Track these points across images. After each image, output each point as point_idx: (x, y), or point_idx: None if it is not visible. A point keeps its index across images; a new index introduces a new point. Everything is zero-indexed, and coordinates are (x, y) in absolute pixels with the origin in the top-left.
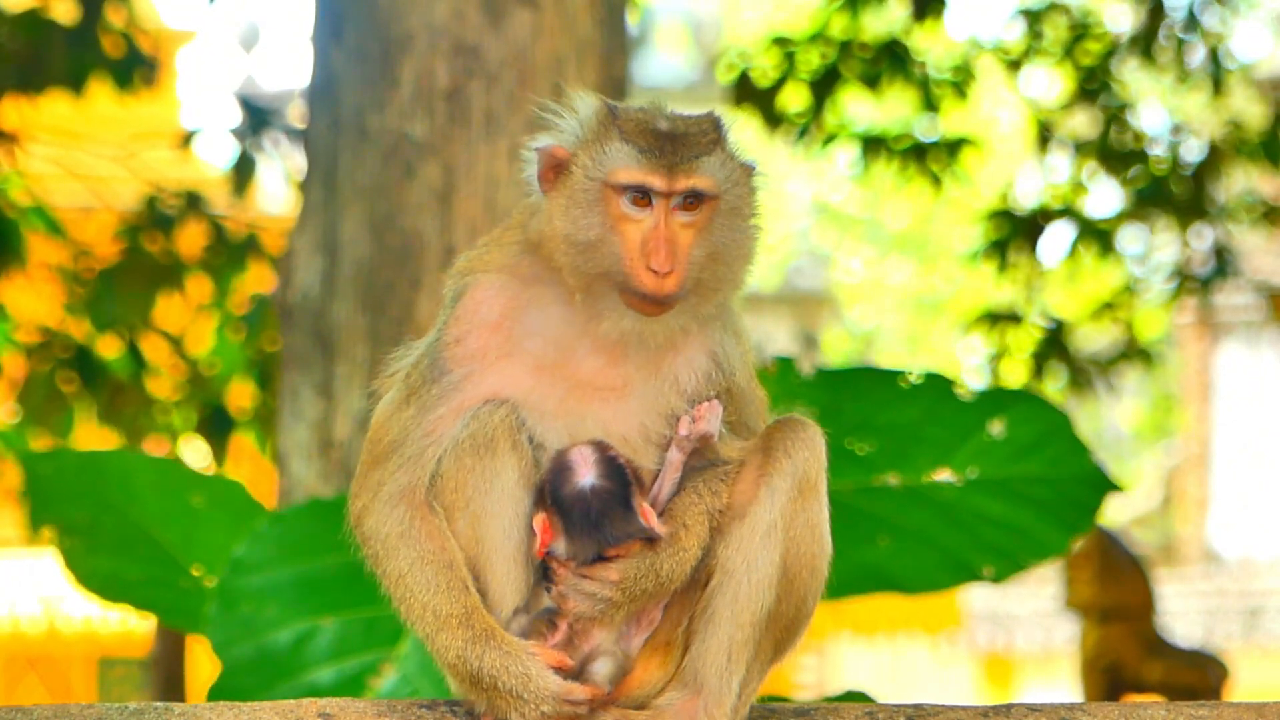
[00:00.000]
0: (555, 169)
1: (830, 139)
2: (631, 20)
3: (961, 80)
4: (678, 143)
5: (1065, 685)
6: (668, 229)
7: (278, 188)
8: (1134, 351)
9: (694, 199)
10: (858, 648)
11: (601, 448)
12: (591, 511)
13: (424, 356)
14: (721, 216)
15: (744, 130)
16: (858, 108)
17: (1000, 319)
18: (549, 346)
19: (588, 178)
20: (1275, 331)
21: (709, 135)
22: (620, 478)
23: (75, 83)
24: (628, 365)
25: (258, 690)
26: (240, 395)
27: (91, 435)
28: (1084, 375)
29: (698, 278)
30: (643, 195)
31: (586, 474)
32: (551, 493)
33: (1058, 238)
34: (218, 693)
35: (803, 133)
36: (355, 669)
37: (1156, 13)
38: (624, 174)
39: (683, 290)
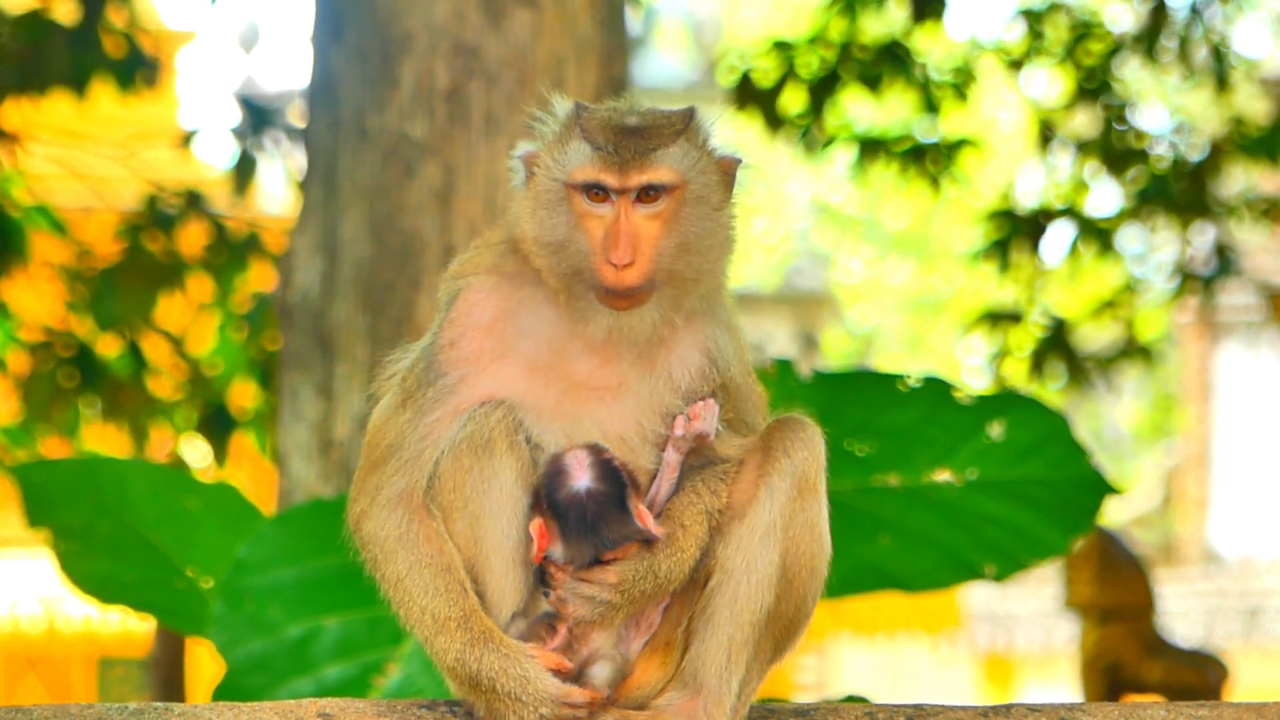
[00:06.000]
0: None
1: (830, 142)
2: (633, 20)
3: (962, 81)
4: (635, 137)
5: (1065, 685)
6: (628, 223)
7: (278, 187)
8: (1135, 350)
9: (653, 192)
10: (858, 648)
11: (596, 451)
12: (588, 515)
13: (419, 360)
14: (689, 206)
15: (741, 129)
16: (859, 109)
17: (1001, 318)
18: (543, 347)
19: (549, 179)
20: (1275, 331)
21: (673, 127)
22: (616, 480)
23: (76, 83)
24: (621, 364)
25: (263, 689)
26: (241, 395)
27: (95, 434)
28: (1084, 373)
29: (670, 269)
30: (600, 192)
31: (582, 477)
32: (547, 497)
33: (1059, 237)
34: (224, 692)
35: (804, 135)
36: (360, 668)
37: (1159, 11)
38: (579, 173)
39: (648, 282)
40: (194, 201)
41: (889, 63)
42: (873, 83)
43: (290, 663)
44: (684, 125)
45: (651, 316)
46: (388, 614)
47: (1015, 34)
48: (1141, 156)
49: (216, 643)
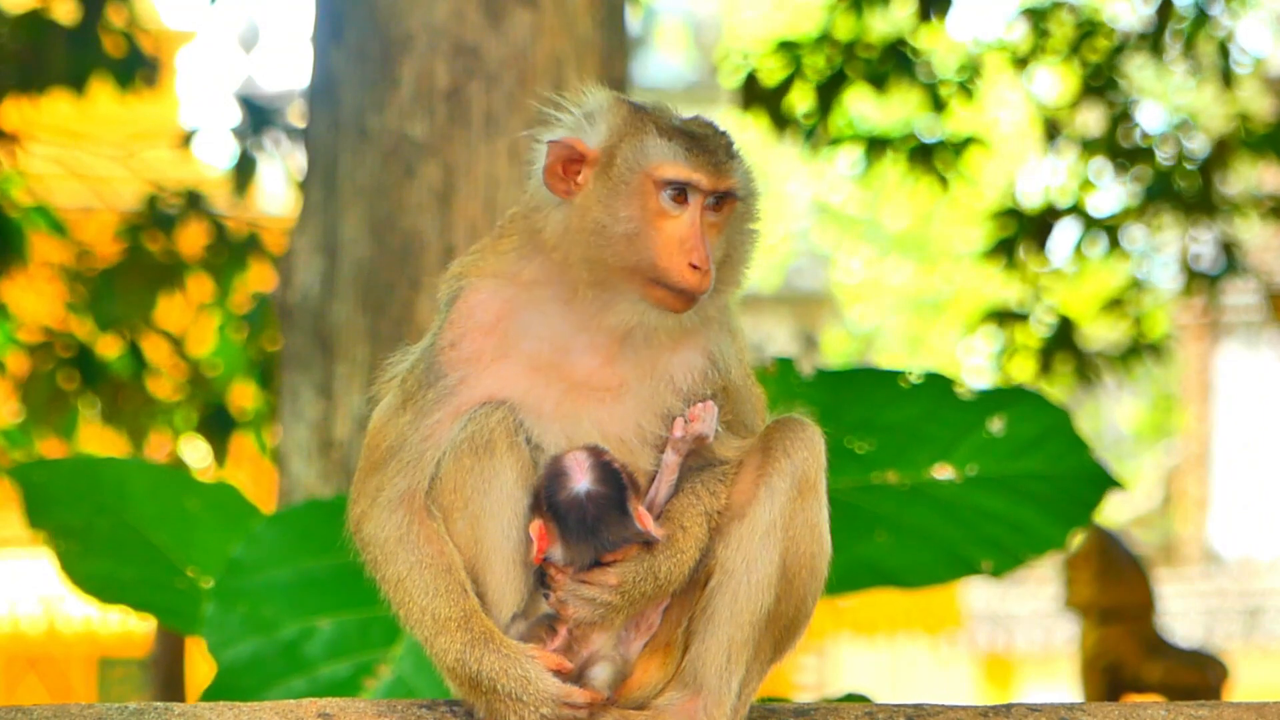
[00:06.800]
0: (569, 162)
1: (836, 142)
2: (633, 20)
3: (968, 79)
4: (712, 143)
5: (1065, 685)
6: (703, 226)
7: (278, 187)
8: (1142, 347)
9: (724, 199)
10: (858, 648)
11: (596, 453)
12: (588, 517)
13: (419, 361)
14: (737, 219)
15: (746, 129)
16: (864, 108)
17: (1007, 317)
18: (544, 346)
19: (630, 171)
20: (1275, 331)
21: (728, 137)
22: (615, 482)
23: (76, 83)
24: (623, 365)
25: (254, 690)
26: (241, 395)
27: (94, 435)
28: (1093, 369)
29: (715, 276)
30: (680, 192)
31: (581, 479)
32: (547, 499)
33: (1065, 235)
34: (214, 693)
35: (809, 134)
36: (351, 669)
37: (1164, 8)
38: (670, 169)
39: (712, 287)
40: (194, 201)
41: (895, 61)
42: (878, 81)
43: (282, 663)
44: (731, 137)
45: (687, 320)
46: (380, 614)
47: (1019, 32)
48: (1147, 154)
49: (208, 643)
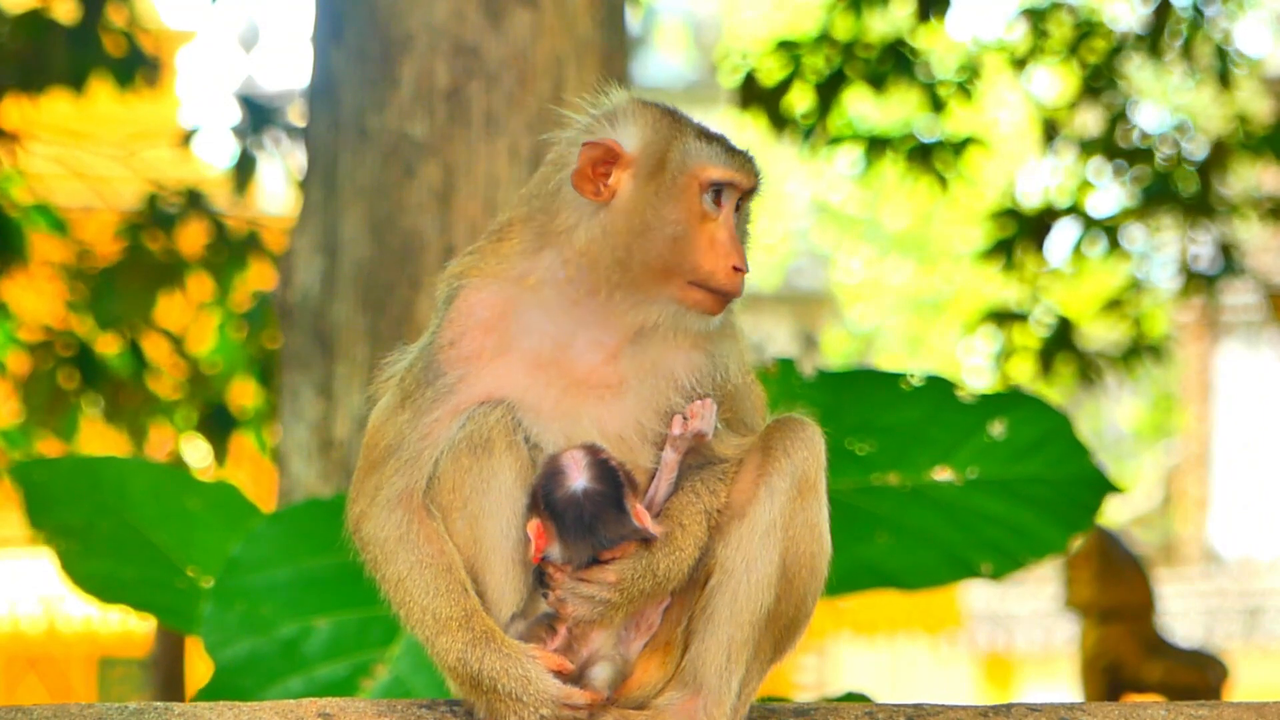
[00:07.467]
0: (599, 164)
1: (836, 142)
2: (633, 20)
3: (967, 80)
4: (736, 144)
5: (1065, 685)
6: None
7: (278, 187)
8: (1142, 347)
9: (745, 199)
10: (858, 648)
11: (593, 451)
12: (585, 515)
13: (418, 360)
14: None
15: (749, 132)
16: (863, 108)
17: (1007, 318)
18: (545, 343)
19: (679, 173)
20: (1275, 331)
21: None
22: (612, 480)
23: (76, 82)
24: (624, 363)
25: (252, 690)
26: (241, 395)
27: (94, 435)
28: (1093, 369)
29: None
30: (718, 193)
31: (578, 477)
32: (544, 497)
33: (1064, 235)
34: (210, 692)
35: (808, 134)
36: (349, 669)
37: (1163, 9)
38: (716, 171)
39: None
40: (194, 201)
41: (894, 61)
42: (878, 81)
43: (280, 662)
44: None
45: (712, 321)
46: (379, 615)
47: (1018, 33)
48: (1146, 155)
49: (206, 642)
